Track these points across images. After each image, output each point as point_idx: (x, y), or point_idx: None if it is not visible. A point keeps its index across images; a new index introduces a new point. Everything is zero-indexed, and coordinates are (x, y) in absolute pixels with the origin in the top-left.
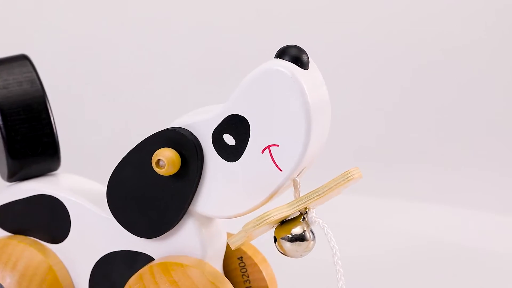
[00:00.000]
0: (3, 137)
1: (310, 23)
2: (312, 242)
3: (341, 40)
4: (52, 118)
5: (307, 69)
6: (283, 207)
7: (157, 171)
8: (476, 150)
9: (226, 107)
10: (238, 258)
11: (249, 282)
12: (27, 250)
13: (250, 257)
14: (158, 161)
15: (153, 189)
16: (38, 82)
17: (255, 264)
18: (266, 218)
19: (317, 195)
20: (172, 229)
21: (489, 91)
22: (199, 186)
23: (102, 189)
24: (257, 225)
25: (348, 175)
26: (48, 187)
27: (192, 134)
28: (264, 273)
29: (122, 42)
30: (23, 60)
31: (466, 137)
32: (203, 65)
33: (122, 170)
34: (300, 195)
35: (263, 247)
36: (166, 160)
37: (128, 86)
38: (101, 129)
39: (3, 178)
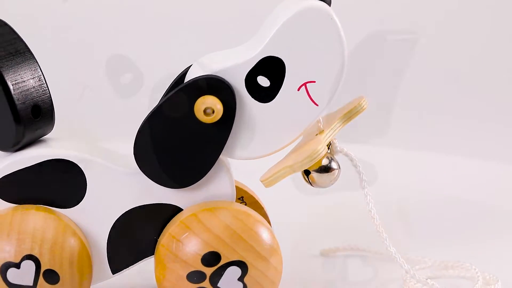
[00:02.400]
0: (9, 104)
1: None
2: (339, 170)
3: None
4: (45, 80)
5: (330, 7)
6: (321, 142)
7: (202, 120)
8: (482, 102)
9: (260, 50)
10: (239, 199)
11: None
12: (48, 218)
13: (251, 196)
14: (205, 110)
15: (189, 138)
16: (26, 45)
17: (256, 201)
18: (318, 153)
19: (340, 125)
20: None
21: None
22: (233, 130)
23: (106, 146)
24: (312, 160)
25: (362, 105)
26: (58, 151)
27: (225, 80)
28: (265, 208)
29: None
30: (3, 26)
31: (479, 90)
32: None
33: (152, 122)
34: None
35: None
36: (215, 107)
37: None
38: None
39: (2, 149)
